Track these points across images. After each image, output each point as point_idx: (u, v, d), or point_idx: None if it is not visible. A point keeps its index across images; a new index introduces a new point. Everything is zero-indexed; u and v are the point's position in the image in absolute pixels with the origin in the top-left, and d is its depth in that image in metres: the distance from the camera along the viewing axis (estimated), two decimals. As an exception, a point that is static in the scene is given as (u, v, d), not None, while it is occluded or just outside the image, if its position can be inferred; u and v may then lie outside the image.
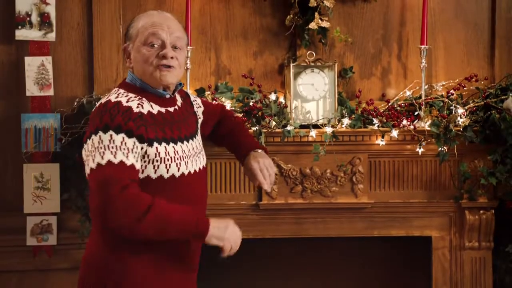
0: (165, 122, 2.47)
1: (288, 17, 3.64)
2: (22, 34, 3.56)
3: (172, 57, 2.45)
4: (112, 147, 2.36)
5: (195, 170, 2.53)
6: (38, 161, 3.59)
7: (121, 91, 2.48)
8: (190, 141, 2.56)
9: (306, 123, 3.58)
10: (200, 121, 2.80)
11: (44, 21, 3.56)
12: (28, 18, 3.55)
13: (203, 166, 2.60)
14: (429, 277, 3.76)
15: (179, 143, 2.48)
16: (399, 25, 3.83)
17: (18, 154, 3.61)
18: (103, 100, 2.46)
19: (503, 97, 3.59)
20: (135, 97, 2.45)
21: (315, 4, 3.56)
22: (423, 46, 3.62)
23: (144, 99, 2.45)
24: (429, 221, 3.72)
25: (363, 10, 3.81)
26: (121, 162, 2.34)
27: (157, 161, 2.38)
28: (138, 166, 2.39)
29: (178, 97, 2.62)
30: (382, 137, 3.54)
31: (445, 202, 3.69)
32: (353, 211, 3.65)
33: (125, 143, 2.36)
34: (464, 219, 3.66)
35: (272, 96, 3.57)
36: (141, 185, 2.40)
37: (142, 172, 2.40)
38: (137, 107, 2.40)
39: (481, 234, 3.68)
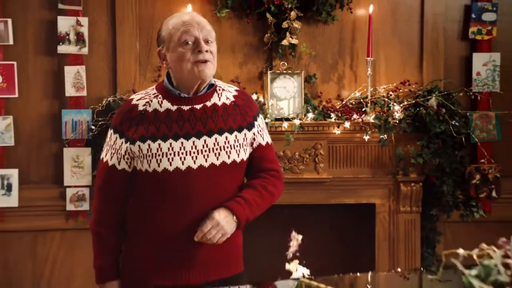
0: (166, 119, 2.33)
1: (266, 35, 3.91)
2: (62, 49, 3.85)
3: (206, 51, 2.29)
4: (109, 145, 2.38)
5: (201, 166, 2.32)
6: (75, 146, 3.86)
7: (149, 88, 2.42)
8: (204, 137, 2.33)
9: (280, 117, 3.80)
10: (251, 136, 2.42)
11: (79, 39, 3.85)
12: (67, 37, 3.83)
13: (223, 162, 2.33)
14: (373, 234, 4.04)
15: (169, 140, 2.32)
16: (351, 42, 4.08)
17: (60, 141, 3.87)
18: None
19: (429, 97, 3.91)
20: (153, 94, 2.36)
21: (286, 26, 3.83)
22: (369, 58, 3.89)
23: (160, 96, 2.34)
24: (373, 192, 4.00)
25: (324, 31, 4.04)
26: (106, 162, 2.37)
27: (142, 157, 2.31)
28: (120, 166, 2.35)
29: (216, 96, 2.37)
30: (338, 127, 3.83)
31: (385, 177, 3.98)
32: (315, 184, 3.88)
33: (116, 143, 2.35)
34: (399, 190, 3.95)
35: (254, 96, 3.75)
36: (137, 178, 2.35)
37: (136, 166, 2.34)
38: (144, 105, 2.33)
39: (412, 201, 3.96)
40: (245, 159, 2.37)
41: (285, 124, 3.78)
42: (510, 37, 4.23)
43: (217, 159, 2.30)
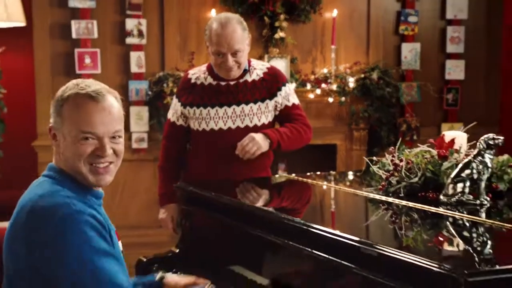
0: (209, 91, 2.59)
1: (263, 31, 4.72)
2: (129, 40, 4.74)
3: (233, 61, 2.48)
4: (171, 107, 2.74)
5: (229, 128, 2.56)
6: (137, 105, 4.72)
7: (202, 66, 2.70)
8: (233, 106, 2.55)
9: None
10: (274, 103, 2.62)
11: (140, 34, 4.70)
12: (132, 32, 4.70)
13: (246, 126, 2.57)
14: (335, 165, 4.89)
15: (208, 107, 2.57)
16: (321, 35, 4.90)
17: (126, 102, 4.55)
18: None
19: (372, 73, 4.76)
20: (202, 71, 2.66)
21: (278, 25, 4.66)
22: (333, 46, 4.68)
23: (207, 72, 2.65)
24: (335, 136, 4.84)
25: (303, 28, 4.83)
26: (169, 119, 2.74)
27: (191, 118, 2.62)
28: (179, 122, 2.65)
29: (248, 75, 2.57)
30: (312, 93, 4.65)
31: (343, 126, 4.84)
32: (296, 131, 4.57)
33: (175, 105, 2.70)
34: (353, 135, 4.81)
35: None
36: (191, 134, 2.64)
37: (190, 125, 2.63)
38: (195, 79, 2.65)
39: (361, 142, 4.83)
40: (266, 123, 2.67)
41: (277, 91, 4.47)
42: (426, 33, 5.13)
43: (242, 123, 2.62)
